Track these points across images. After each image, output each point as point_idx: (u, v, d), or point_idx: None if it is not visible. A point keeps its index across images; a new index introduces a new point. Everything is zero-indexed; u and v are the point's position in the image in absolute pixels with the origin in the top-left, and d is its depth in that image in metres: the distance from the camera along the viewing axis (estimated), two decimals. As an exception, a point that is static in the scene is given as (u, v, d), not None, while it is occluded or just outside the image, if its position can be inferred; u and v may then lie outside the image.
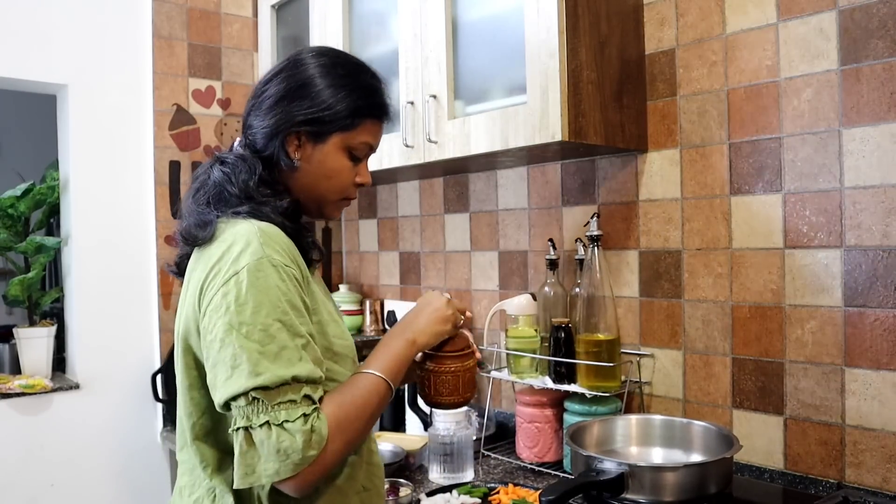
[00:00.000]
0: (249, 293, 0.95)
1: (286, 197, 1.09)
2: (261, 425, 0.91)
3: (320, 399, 0.97)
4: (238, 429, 0.93)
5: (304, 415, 0.93)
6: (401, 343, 1.10)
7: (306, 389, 0.95)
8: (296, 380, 0.94)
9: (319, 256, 1.13)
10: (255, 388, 0.92)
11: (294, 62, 1.12)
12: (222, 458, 1.05)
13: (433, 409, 1.71)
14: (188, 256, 1.12)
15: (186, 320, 1.04)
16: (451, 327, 1.16)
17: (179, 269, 1.15)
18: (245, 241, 0.99)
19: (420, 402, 1.99)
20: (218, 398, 0.95)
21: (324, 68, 1.10)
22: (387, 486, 1.55)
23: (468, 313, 1.22)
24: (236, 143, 1.16)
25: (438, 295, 1.18)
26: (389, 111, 1.16)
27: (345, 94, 1.09)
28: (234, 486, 0.95)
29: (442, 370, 1.15)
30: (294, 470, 0.92)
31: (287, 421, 0.92)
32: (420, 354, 1.16)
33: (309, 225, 1.14)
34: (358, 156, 1.14)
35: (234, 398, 0.93)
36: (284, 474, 0.92)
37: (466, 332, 1.21)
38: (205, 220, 1.06)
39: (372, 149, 1.16)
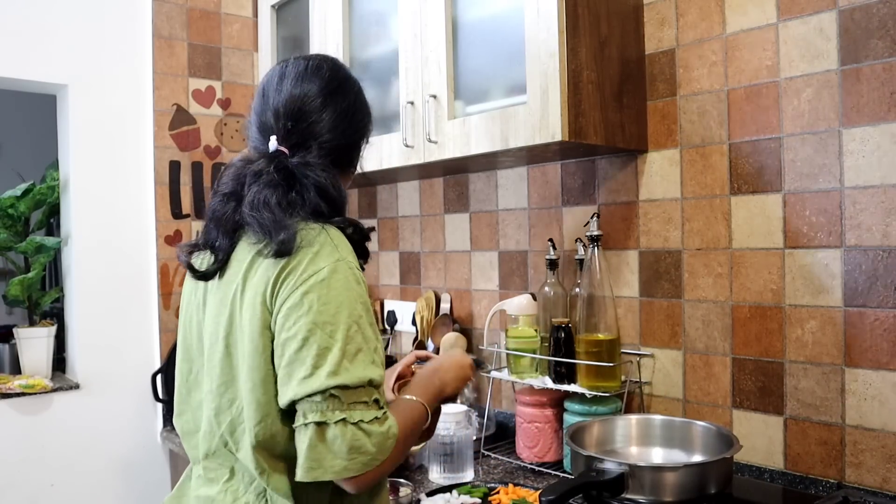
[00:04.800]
0: (332, 293, 0.97)
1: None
2: (336, 422, 0.93)
3: (385, 405, 1.00)
4: (309, 423, 0.94)
5: (376, 418, 0.96)
6: (435, 388, 1.16)
7: (376, 394, 0.98)
8: (370, 383, 0.97)
9: (366, 261, 1.15)
10: (335, 387, 0.94)
11: (344, 79, 1.17)
12: (276, 464, 1.03)
13: None
14: (227, 259, 1.09)
15: (253, 321, 1.01)
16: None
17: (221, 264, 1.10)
18: (318, 242, 1.02)
19: None
20: (290, 394, 0.96)
21: (356, 82, 1.21)
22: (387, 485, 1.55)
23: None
24: (294, 153, 1.10)
25: (468, 359, 1.27)
26: None
27: (366, 102, 1.22)
28: (298, 479, 0.95)
29: None
30: (360, 470, 0.94)
31: (363, 421, 0.94)
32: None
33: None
34: None
35: (310, 395, 0.94)
36: (351, 472, 0.94)
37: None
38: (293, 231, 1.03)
39: None
